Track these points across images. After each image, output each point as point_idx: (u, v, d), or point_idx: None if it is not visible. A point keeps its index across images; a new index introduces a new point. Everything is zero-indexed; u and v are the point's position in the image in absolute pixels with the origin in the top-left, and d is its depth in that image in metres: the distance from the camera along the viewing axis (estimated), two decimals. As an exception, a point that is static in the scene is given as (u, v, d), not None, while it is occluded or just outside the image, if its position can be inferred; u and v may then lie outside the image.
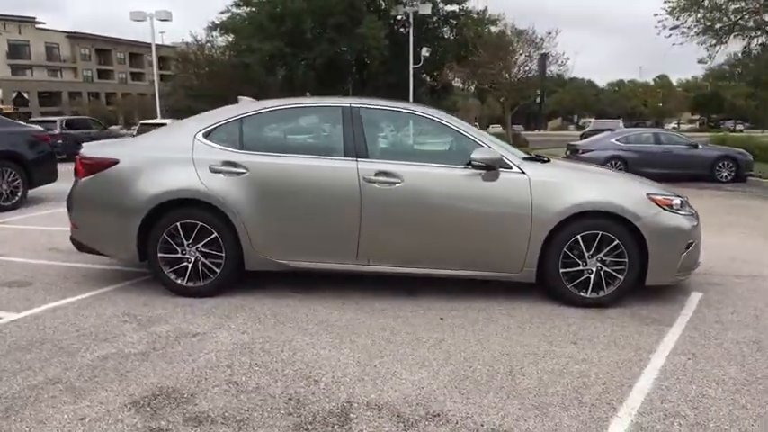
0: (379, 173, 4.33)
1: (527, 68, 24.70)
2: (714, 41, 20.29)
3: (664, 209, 4.37)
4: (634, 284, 4.40)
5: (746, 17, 19.64)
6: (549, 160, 4.79)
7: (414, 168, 4.40)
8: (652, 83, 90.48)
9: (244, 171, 4.38)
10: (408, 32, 29.03)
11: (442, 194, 4.36)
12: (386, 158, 4.48)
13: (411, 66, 28.87)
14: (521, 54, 24.32)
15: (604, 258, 4.34)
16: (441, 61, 31.82)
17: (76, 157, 4.67)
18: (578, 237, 4.32)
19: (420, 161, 4.56)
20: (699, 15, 20.12)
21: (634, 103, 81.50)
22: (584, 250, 4.34)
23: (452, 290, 4.70)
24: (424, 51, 30.24)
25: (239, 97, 5.28)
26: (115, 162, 4.49)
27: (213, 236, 4.42)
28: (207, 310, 4.26)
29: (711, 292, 4.79)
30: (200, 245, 4.45)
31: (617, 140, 16.59)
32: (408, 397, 3.03)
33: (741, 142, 22.35)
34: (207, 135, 4.54)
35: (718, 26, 20.04)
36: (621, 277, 4.36)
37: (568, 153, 16.82)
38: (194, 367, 3.34)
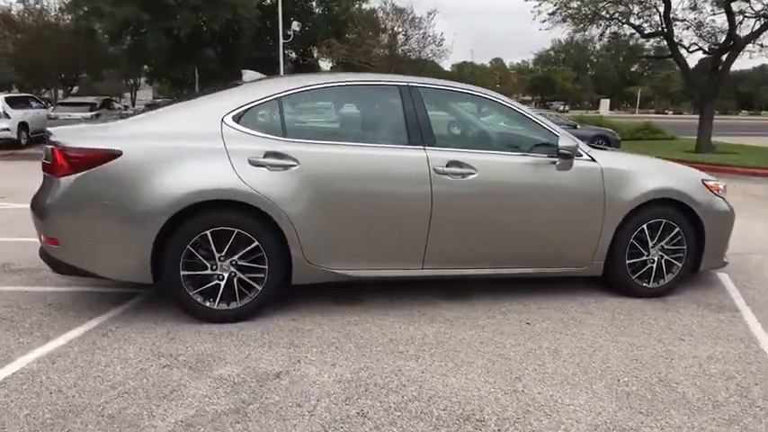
0: (450, 162, 3.77)
1: (406, 47, 24.69)
2: (576, 28, 21.93)
3: (715, 194, 4.38)
4: (687, 272, 4.38)
5: (607, 6, 21.43)
6: (605, 148, 4.56)
7: (486, 157, 3.91)
8: (488, 65, 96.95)
9: (293, 164, 3.55)
10: (277, 3, 27.45)
11: (517, 186, 3.95)
12: (454, 146, 3.94)
13: (281, 41, 27.45)
14: (399, 33, 24.22)
15: (665, 247, 4.25)
16: (311, 37, 30.72)
17: (51, 147, 3.45)
18: (644, 226, 4.16)
19: (489, 149, 4.08)
20: (561, 2, 21.56)
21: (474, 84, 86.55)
22: (649, 239, 4.20)
23: (494, 289, 4.30)
24: (295, 26, 28.96)
25: (244, 71, 4.32)
26: (117, 154, 3.38)
27: (254, 245, 3.54)
28: (260, 339, 3.42)
29: (734, 272, 4.95)
30: (236, 257, 3.55)
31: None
32: (598, 428, 2.61)
33: (596, 122, 24.64)
34: (238, 119, 3.61)
35: (585, 11, 21.62)
36: (680, 264, 4.30)
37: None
38: (322, 423, 2.59)
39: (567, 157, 3.93)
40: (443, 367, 3.14)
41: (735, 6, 18.23)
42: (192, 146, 3.49)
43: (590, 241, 4.08)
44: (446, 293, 4.22)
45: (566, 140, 3.91)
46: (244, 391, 2.83)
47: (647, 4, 20.78)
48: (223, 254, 3.53)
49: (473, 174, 3.79)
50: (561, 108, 76.40)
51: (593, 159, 4.07)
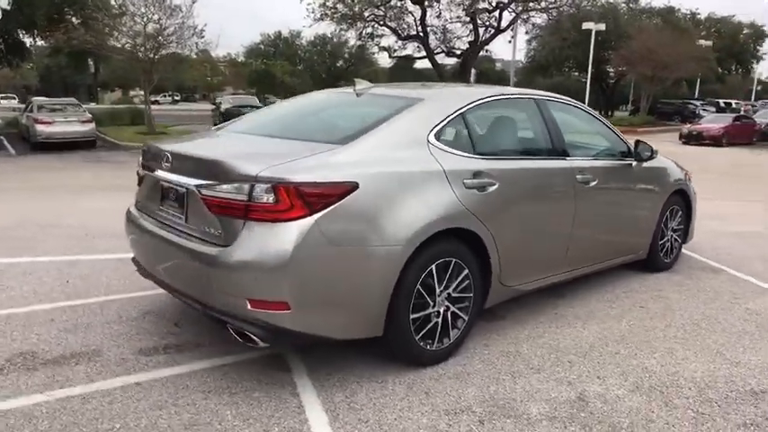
0: (581, 170, 4.09)
1: (163, 38, 22.38)
2: (345, 26, 23.19)
3: (689, 178, 5.58)
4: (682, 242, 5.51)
5: (365, 8, 23.10)
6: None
7: (597, 163, 4.33)
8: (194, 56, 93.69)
9: (493, 183, 3.42)
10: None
11: (617, 188, 4.47)
12: (578, 156, 4.23)
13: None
14: (148, 21, 21.84)
15: (674, 227, 5.30)
16: (28, 19, 25.41)
17: (268, 184, 2.64)
18: (667, 211, 5.13)
19: (597, 157, 4.47)
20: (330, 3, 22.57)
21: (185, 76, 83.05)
22: (669, 220, 5.19)
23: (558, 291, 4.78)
24: (3, 3, 23.62)
25: (357, 80, 3.84)
26: (354, 187, 2.79)
27: (464, 272, 3.33)
28: (483, 372, 3.26)
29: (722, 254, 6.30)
30: (450, 289, 3.28)
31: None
32: None
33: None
34: (438, 137, 3.30)
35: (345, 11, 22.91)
36: (680, 240, 5.41)
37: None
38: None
39: (643, 160, 4.60)
40: (656, 353, 3.50)
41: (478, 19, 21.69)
42: (413, 169, 3.09)
43: (650, 228, 4.86)
44: (551, 295, 4.49)
45: (645, 147, 4.57)
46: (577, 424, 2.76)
47: (403, 10, 23.09)
48: (442, 287, 3.22)
49: (594, 181, 4.16)
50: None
51: (643, 159, 4.81)
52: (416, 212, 3.01)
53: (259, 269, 2.67)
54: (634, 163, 4.61)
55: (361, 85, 3.84)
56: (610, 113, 47.71)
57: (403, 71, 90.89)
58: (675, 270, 5.31)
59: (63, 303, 4.09)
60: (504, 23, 23.47)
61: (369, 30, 24.88)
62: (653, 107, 39.75)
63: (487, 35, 23.92)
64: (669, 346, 3.67)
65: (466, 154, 3.38)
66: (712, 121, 25.48)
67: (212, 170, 2.85)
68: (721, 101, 42.68)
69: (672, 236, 5.25)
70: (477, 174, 3.34)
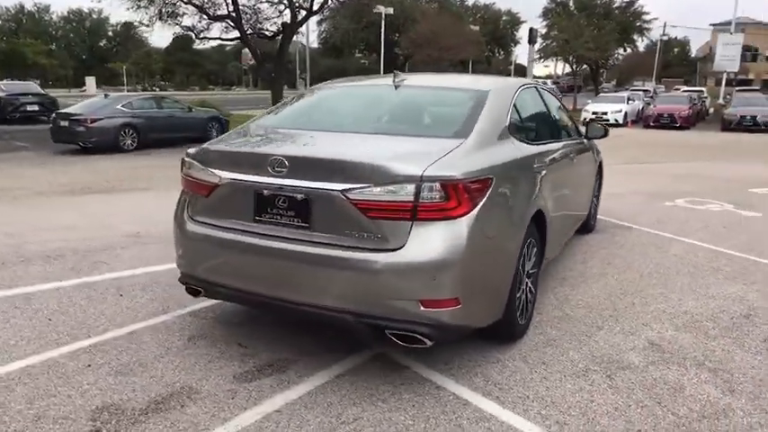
0: (569, 148, 4.71)
1: None
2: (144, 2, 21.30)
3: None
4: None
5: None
6: None
7: (572, 141, 4.92)
8: None
9: (542, 167, 3.80)
10: None
11: (582, 164, 5.15)
12: (563, 136, 4.78)
13: None
14: None
15: (596, 192, 6.28)
16: None
17: (437, 182, 2.62)
18: (598, 179, 6.07)
19: (569, 135, 5.02)
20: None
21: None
22: (596, 189, 6.13)
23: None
24: None
25: (396, 72, 3.83)
26: (492, 179, 2.91)
27: (535, 250, 3.66)
28: (571, 369, 3.68)
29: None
30: (528, 266, 3.59)
31: (123, 107, 15.63)
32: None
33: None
34: (509, 126, 3.52)
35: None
36: (597, 204, 6.43)
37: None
38: None
39: (590, 138, 5.37)
40: (657, 299, 4.28)
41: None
42: (512, 159, 3.34)
43: (590, 195, 5.70)
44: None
45: (591, 126, 5.31)
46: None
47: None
48: (528, 266, 3.53)
49: (576, 158, 4.78)
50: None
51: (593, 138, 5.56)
52: (524, 198, 3.26)
53: (435, 269, 2.67)
54: (585, 141, 5.34)
55: (400, 78, 3.84)
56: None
57: (182, 53, 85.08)
58: (599, 230, 6.28)
59: (82, 343, 3.42)
60: (315, 5, 23.59)
61: (169, 9, 22.98)
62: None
63: (300, 17, 23.85)
64: (659, 292, 4.45)
65: (525, 141, 3.67)
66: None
67: (362, 173, 2.71)
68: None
69: (595, 201, 6.20)
70: (536, 158, 3.66)
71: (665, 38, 52.95)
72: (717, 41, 32.05)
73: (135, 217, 6.62)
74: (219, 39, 25.61)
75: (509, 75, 61.56)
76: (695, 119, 24.58)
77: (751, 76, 59.82)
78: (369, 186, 2.69)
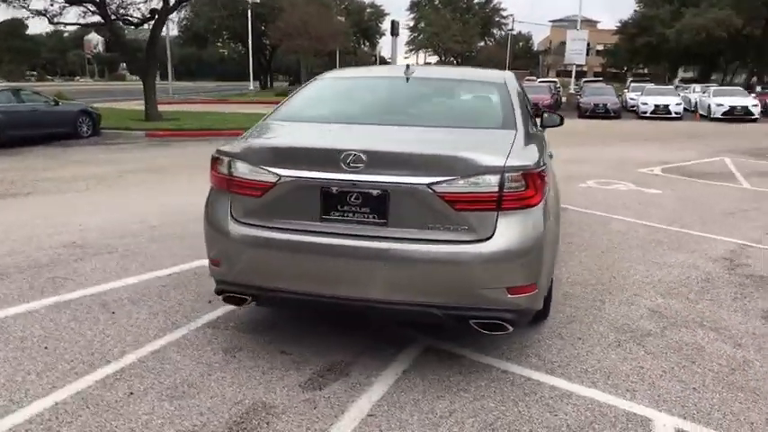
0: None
1: None
2: None
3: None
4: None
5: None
6: None
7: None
8: None
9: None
10: None
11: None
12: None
13: None
14: None
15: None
16: None
17: (518, 173, 2.69)
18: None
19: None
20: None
21: None
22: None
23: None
24: None
25: (408, 64, 3.83)
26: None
27: (551, 234, 3.92)
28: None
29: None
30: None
31: (-33, 100, 13.69)
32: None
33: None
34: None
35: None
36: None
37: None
38: None
39: (546, 127, 5.74)
40: (646, 262, 4.76)
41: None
42: (543, 145, 3.48)
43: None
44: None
45: (546, 116, 5.68)
46: None
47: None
48: (551, 249, 3.76)
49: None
50: None
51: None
52: (553, 183, 3.44)
53: (522, 256, 2.75)
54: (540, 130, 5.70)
55: (411, 69, 3.82)
56: (270, 84, 49.98)
57: (12, 39, 75.62)
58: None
59: (105, 370, 3.02)
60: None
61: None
62: (309, 78, 43.03)
63: (173, 1, 22.33)
64: (628, 266, 4.93)
65: (538, 130, 3.87)
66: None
67: (447, 165, 2.71)
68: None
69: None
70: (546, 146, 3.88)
71: (513, 32, 57.44)
72: (566, 37, 35.48)
73: (52, 224, 5.87)
74: (78, 24, 23.15)
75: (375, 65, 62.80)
76: (556, 107, 26.96)
77: (584, 69, 66.97)
78: (455, 179, 2.70)
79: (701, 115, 23.88)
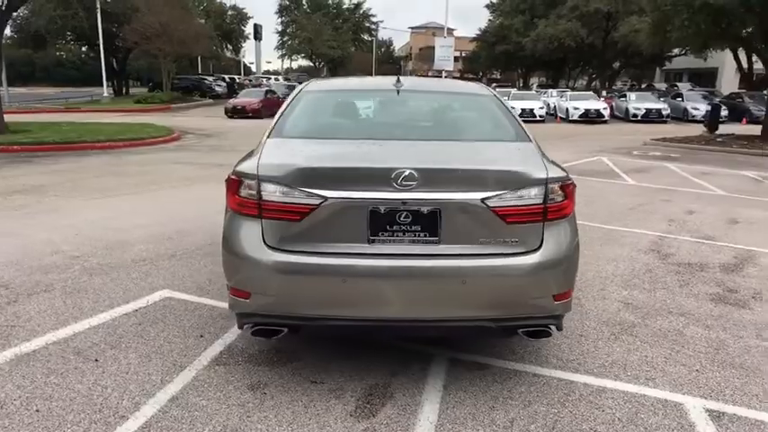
0: None
1: None
2: None
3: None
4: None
5: None
6: None
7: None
8: None
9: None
10: None
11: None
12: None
13: None
14: None
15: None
16: None
17: (558, 184, 2.82)
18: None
19: None
20: None
21: None
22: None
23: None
24: None
25: (399, 77, 3.79)
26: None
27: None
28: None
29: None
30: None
31: None
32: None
33: None
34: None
35: None
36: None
37: None
38: None
39: None
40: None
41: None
42: None
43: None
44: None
45: None
46: None
47: None
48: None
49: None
50: None
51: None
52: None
53: (565, 263, 2.89)
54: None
55: (401, 82, 3.81)
56: (126, 91, 46.53)
57: None
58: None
59: (128, 425, 2.64)
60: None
61: None
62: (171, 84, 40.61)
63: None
64: (583, 261, 5.32)
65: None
66: (248, 96, 28.84)
67: (497, 180, 2.75)
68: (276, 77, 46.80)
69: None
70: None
71: (374, 38, 58.95)
72: (425, 43, 37.07)
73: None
74: None
75: (240, 72, 61.13)
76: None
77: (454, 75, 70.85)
78: (505, 193, 2.76)
79: (561, 118, 26.29)
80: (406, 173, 2.70)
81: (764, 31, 14.25)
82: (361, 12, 38.73)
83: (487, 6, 45.12)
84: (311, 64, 42.29)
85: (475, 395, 3.01)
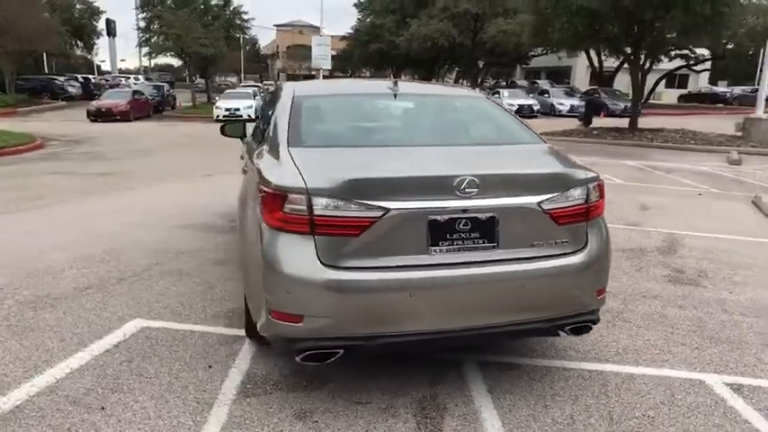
0: None
1: None
2: None
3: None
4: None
5: None
6: None
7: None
8: None
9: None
10: None
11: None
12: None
13: None
14: None
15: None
16: None
17: (594, 184, 2.91)
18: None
19: None
20: None
21: None
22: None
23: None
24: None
25: (394, 80, 3.68)
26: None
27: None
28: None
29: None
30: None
31: None
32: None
33: None
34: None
35: None
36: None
37: None
38: None
39: None
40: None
41: None
42: None
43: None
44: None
45: None
46: None
47: None
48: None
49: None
50: None
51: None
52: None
53: (605, 259, 3.03)
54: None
55: (397, 86, 3.71)
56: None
57: None
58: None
59: None
60: None
61: None
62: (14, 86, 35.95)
63: None
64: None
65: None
66: (114, 97, 26.56)
67: (548, 183, 2.79)
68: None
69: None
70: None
71: (242, 36, 57.01)
72: (295, 41, 36.40)
73: None
74: None
75: (92, 70, 55.86)
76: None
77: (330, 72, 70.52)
78: (555, 195, 2.80)
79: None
80: (468, 180, 2.64)
81: (627, 32, 15.98)
82: (232, 8, 37.23)
83: (356, 5, 45.59)
84: (179, 63, 39.94)
85: (524, 396, 3.03)
